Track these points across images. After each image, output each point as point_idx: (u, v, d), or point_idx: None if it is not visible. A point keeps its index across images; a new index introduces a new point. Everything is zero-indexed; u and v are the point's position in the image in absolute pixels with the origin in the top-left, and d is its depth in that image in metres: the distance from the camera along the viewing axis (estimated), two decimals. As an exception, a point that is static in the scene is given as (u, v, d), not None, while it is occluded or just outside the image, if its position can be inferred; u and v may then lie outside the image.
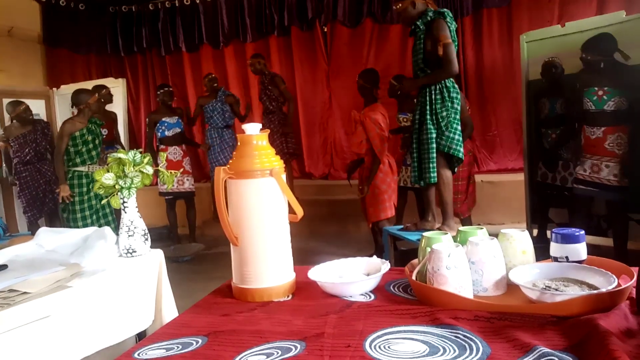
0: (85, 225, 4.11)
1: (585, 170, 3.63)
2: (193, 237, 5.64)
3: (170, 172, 1.87)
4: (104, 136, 5.26)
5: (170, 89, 5.72)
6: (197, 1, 7.09)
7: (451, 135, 3.13)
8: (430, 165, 3.16)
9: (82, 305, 1.54)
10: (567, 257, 1.23)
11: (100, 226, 1.90)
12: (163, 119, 5.43)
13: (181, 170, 5.19)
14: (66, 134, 4.20)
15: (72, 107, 4.55)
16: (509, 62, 5.83)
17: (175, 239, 5.63)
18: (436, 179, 3.17)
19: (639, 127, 3.50)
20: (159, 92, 5.58)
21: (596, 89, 3.59)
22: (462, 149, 3.17)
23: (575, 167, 3.81)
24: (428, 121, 3.14)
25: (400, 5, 3.20)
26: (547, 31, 4.33)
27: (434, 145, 3.14)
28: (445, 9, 3.14)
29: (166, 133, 5.42)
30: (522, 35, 4.50)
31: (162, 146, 5.45)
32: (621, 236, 3.58)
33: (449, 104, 3.12)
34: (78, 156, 4.26)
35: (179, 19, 7.22)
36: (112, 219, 4.42)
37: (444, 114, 3.12)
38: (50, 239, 1.94)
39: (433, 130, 3.14)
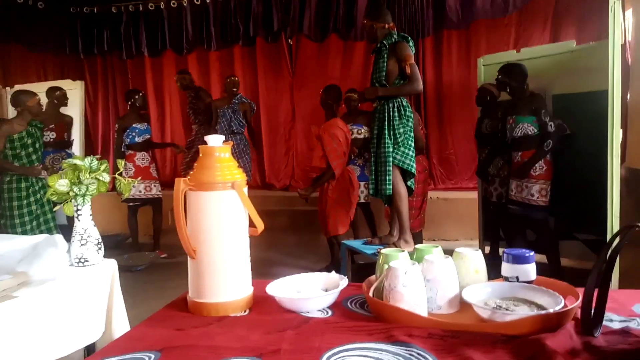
0: (24, 232, 3.93)
1: (512, 190, 3.82)
2: (157, 245, 5.49)
3: (128, 180, 1.82)
4: (53, 140, 5.07)
5: (143, 94, 5.53)
6: (162, 7, 6.99)
7: (406, 150, 3.29)
8: (387, 177, 3.28)
9: (28, 316, 1.48)
10: (517, 277, 1.28)
11: (41, 232, 1.84)
12: (134, 125, 5.26)
13: (139, 178, 5.06)
14: (2, 134, 4.02)
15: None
16: (466, 83, 6.02)
17: (135, 247, 5.48)
18: (391, 191, 3.26)
19: (561, 151, 3.74)
20: (134, 97, 5.35)
21: (508, 117, 3.85)
22: (414, 165, 3.35)
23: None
24: (386, 136, 3.28)
25: (372, 23, 3.38)
26: (503, 55, 4.51)
27: (391, 159, 3.27)
28: (407, 35, 3.37)
29: (136, 139, 5.27)
30: (479, 59, 4.68)
31: (129, 152, 5.28)
32: (551, 253, 3.77)
33: (405, 121, 3.30)
34: (16, 160, 4.08)
35: (143, 23, 7.09)
36: (55, 225, 4.24)
37: (401, 130, 3.29)
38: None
39: (390, 145, 3.27)
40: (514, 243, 3.88)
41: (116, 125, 5.47)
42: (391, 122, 3.28)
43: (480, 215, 4.64)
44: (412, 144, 3.34)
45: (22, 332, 1.46)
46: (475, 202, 4.77)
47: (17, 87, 5.94)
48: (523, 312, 1.13)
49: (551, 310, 1.10)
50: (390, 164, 3.27)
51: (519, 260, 1.28)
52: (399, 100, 3.30)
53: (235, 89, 5.76)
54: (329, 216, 4.31)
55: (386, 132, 3.28)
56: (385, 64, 3.30)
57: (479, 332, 1.09)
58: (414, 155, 3.34)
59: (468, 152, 6.10)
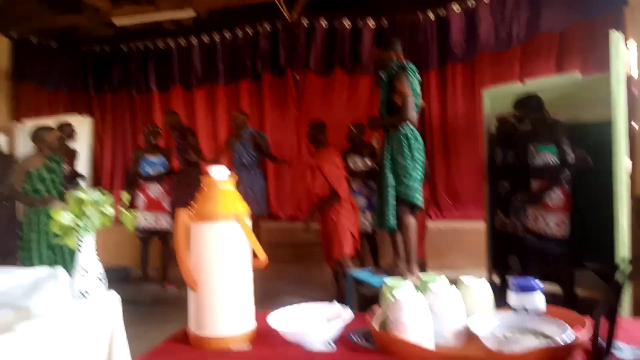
0: (41, 264, 3.93)
1: (528, 220, 3.75)
2: (166, 276, 5.45)
3: (131, 213, 1.82)
4: (69, 173, 5.14)
5: (156, 127, 5.56)
6: (172, 45, 7.17)
7: (407, 182, 3.21)
8: (387, 210, 3.24)
9: (27, 350, 1.46)
10: (524, 306, 1.25)
11: (58, 264, 1.83)
12: (146, 156, 5.32)
13: (139, 212, 5.07)
14: (21, 170, 4.08)
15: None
16: (472, 115, 6.04)
17: (144, 279, 5.45)
18: (394, 223, 3.23)
19: (580, 181, 3.66)
20: (146, 130, 5.44)
21: (529, 144, 3.79)
22: (419, 196, 3.25)
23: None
24: (387, 168, 3.25)
25: (379, 52, 3.39)
26: (508, 88, 4.54)
27: (392, 192, 3.23)
28: (407, 63, 3.30)
29: (149, 171, 5.31)
30: (484, 91, 4.71)
31: (141, 182, 5.30)
32: (567, 284, 3.68)
33: (407, 153, 3.22)
34: (36, 194, 4.13)
35: (152, 60, 7.26)
36: (72, 257, 4.24)
37: (402, 162, 3.22)
38: (1, 279, 1.85)
39: (391, 177, 3.24)
40: (528, 273, 3.77)
41: (133, 154, 5.51)
42: (392, 153, 3.26)
43: (488, 244, 4.58)
44: (417, 175, 3.25)
45: (21, 367, 1.43)
46: (482, 231, 4.72)
47: (27, 121, 6.05)
48: (530, 342, 1.10)
49: (559, 340, 1.06)
50: (392, 197, 3.23)
51: (526, 289, 1.25)
52: (402, 130, 3.23)
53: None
54: (333, 239, 4.28)
55: (387, 164, 3.27)
56: (384, 95, 3.32)
57: (486, 365, 1.06)
58: (419, 187, 3.26)
59: (474, 182, 6.07)
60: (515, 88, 4.41)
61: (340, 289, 4.45)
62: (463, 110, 6.26)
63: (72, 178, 5.25)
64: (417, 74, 3.32)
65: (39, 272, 1.84)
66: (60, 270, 1.77)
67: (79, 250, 1.70)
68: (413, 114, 3.23)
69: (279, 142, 6.95)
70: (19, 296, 1.71)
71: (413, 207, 3.29)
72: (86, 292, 1.70)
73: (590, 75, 4.27)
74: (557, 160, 3.61)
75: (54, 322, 1.56)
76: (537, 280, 1.27)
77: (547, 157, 3.64)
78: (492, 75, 5.98)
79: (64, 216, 1.65)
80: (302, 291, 4.92)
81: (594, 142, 3.63)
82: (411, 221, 3.26)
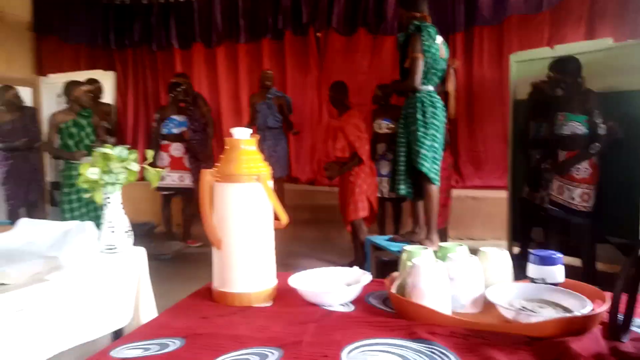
0: (72, 217, 4.07)
1: (553, 191, 3.69)
2: (187, 234, 5.59)
3: (156, 170, 1.86)
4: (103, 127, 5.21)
5: (184, 87, 5.52)
6: (192, -1, 7.08)
7: (418, 149, 3.12)
8: (398, 177, 3.23)
9: (58, 299, 1.53)
10: (543, 279, 1.25)
11: (89, 219, 1.88)
12: (172, 116, 5.37)
13: (167, 168, 5.16)
14: (54, 126, 4.20)
15: (58, 96, 4.52)
16: (498, 81, 5.91)
17: (168, 236, 5.59)
18: (406, 192, 3.22)
19: (608, 153, 3.54)
20: (176, 89, 5.41)
21: (558, 113, 3.67)
22: (429, 166, 3.13)
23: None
24: (400, 134, 3.22)
25: (403, 11, 3.31)
26: (536, 52, 4.40)
27: (403, 158, 3.21)
28: (423, 23, 3.16)
29: (173, 130, 5.36)
30: (511, 55, 4.58)
31: (165, 142, 5.37)
32: (587, 257, 3.65)
33: (420, 118, 3.11)
34: (65, 149, 4.23)
35: (173, 15, 7.18)
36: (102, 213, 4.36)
37: (413, 127, 3.15)
38: (31, 230, 1.91)
39: (404, 143, 3.21)
40: (550, 246, 3.78)
41: (156, 114, 5.54)
42: (406, 120, 3.21)
43: (509, 215, 4.56)
44: (431, 143, 3.11)
45: (52, 314, 1.50)
46: (504, 201, 4.68)
47: (52, 76, 6.10)
48: (548, 314, 1.11)
49: (578, 314, 1.08)
50: (403, 163, 3.21)
51: (546, 261, 1.26)
52: (417, 96, 3.13)
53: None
54: (349, 201, 4.33)
55: (401, 129, 3.23)
56: (402, 58, 3.25)
57: (502, 333, 1.08)
58: (429, 154, 3.11)
59: (498, 151, 5.99)
60: (544, 53, 4.27)
61: (356, 251, 4.52)
62: (489, 76, 6.11)
63: (106, 134, 5.32)
64: (437, 35, 3.18)
65: (69, 225, 1.90)
66: (89, 224, 1.83)
67: (107, 206, 1.75)
68: (419, 80, 3.09)
69: (300, 103, 6.91)
70: (48, 248, 1.77)
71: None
72: (114, 246, 1.76)
73: (623, 41, 4.11)
74: (586, 130, 3.51)
75: (84, 274, 1.62)
76: (558, 253, 1.27)
77: (576, 127, 3.55)
78: (520, 40, 5.81)
79: (91, 171, 1.69)
80: (321, 255, 5.00)
81: (624, 112, 3.53)
82: (433, 189, 3.22)
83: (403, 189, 3.25)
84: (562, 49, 4.19)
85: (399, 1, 3.56)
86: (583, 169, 3.54)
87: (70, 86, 4.31)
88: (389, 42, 6.43)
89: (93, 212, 4.28)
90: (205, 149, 5.57)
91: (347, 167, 4.37)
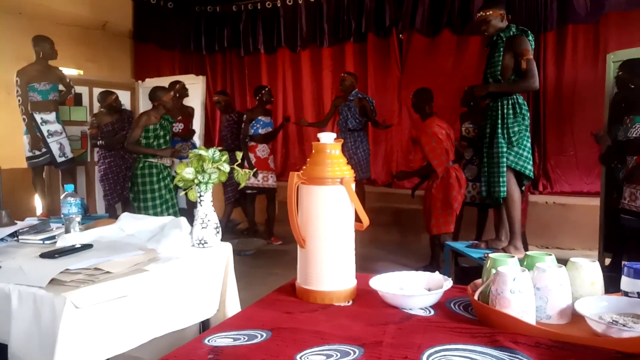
0: (154, 214, 4.33)
1: (625, 199, 3.50)
2: (271, 232, 5.81)
3: (245, 172, 1.96)
4: (181, 130, 5.57)
5: (269, 89, 5.82)
6: (279, 5, 7.30)
7: (520, 151, 3.15)
8: (500, 179, 3.14)
9: (156, 288, 1.66)
10: (638, 293, 1.19)
11: (167, 215, 2.02)
12: (259, 118, 5.65)
13: (254, 170, 5.40)
14: (140, 125, 4.47)
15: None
16: (592, 81, 5.58)
17: (251, 233, 5.83)
18: (506, 194, 3.13)
19: None
20: (261, 92, 5.72)
21: (625, 117, 3.52)
22: (530, 167, 3.17)
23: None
24: (499, 135, 3.14)
25: (490, 13, 3.21)
26: (636, 51, 4.11)
27: (504, 160, 3.13)
28: (526, 29, 3.17)
29: (260, 131, 5.64)
30: (609, 55, 4.31)
31: (252, 143, 5.63)
32: None
33: (521, 119, 3.14)
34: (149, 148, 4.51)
35: (260, 21, 7.47)
36: (176, 210, 4.62)
37: (516, 129, 3.14)
38: (131, 224, 2.09)
39: (504, 145, 3.13)
40: (632, 256, 3.56)
41: (244, 116, 5.81)
42: (505, 121, 3.14)
43: (601, 224, 4.29)
44: (529, 145, 3.17)
45: (150, 302, 1.64)
46: (596, 209, 4.41)
47: (148, 80, 6.55)
48: (643, 330, 1.06)
49: (677, 332, 1.01)
50: (504, 165, 3.13)
51: (642, 274, 1.19)
52: (515, 97, 3.15)
53: (348, 84, 5.73)
54: (432, 215, 4.26)
55: (499, 131, 3.15)
56: (500, 58, 3.16)
57: (590, 347, 1.04)
58: (530, 156, 3.19)
59: (590, 155, 5.65)
60: (645, 52, 3.99)
61: (434, 259, 4.45)
62: (582, 76, 5.79)
63: (188, 136, 5.66)
64: (532, 41, 3.19)
65: (165, 220, 2.05)
66: (183, 220, 1.96)
67: (200, 203, 1.87)
68: (538, 81, 3.13)
69: (380, 105, 6.90)
70: (146, 240, 1.93)
71: (523, 178, 3.19)
72: (205, 241, 1.87)
73: None
74: (638, 134, 3.35)
75: (178, 265, 1.75)
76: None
77: (634, 129, 3.39)
78: (619, 39, 5.44)
79: (187, 171, 1.82)
80: (398, 258, 4.98)
81: None
82: (517, 193, 3.17)
83: (504, 192, 3.18)
84: (666, 48, 3.90)
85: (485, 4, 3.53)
86: None
87: (157, 91, 4.60)
88: (474, 42, 6.28)
89: (172, 209, 4.54)
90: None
91: (414, 174, 4.37)
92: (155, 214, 4.31)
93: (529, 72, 3.05)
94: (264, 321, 1.23)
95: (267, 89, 5.76)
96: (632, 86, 3.57)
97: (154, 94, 4.59)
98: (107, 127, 5.50)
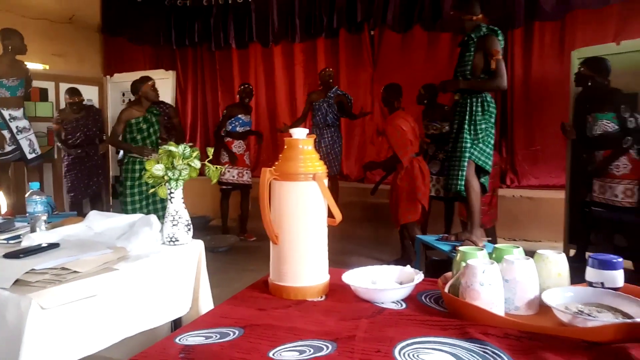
0: (133, 210, 4.25)
1: (594, 191, 3.67)
2: (244, 229, 5.77)
3: (216, 167, 1.93)
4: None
5: (249, 86, 5.77)
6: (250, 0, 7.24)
7: (484, 147, 3.24)
8: (460, 173, 3.22)
9: (126, 287, 1.63)
10: (602, 283, 1.23)
11: (149, 212, 1.99)
12: (239, 115, 5.60)
13: (227, 166, 5.37)
14: (122, 120, 4.37)
15: (123, 95, 4.73)
16: (558, 77, 5.70)
17: (224, 229, 5.78)
18: (463, 187, 3.22)
19: None
20: (241, 88, 5.70)
21: (588, 115, 3.70)
22: (490, 163, 3.28)
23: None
24: (465, 130, 3.22)
25: (459, 14, 3.31)
26: (600, 49, 4.23)
27: (467, 155, 3.21)
28: (497, 28, 3.23)
29: (237, 128, 5.60)
30: (573, 52, 4.43)
31: (228, 139, 5.59)
32: (637, 258, 3.53)
33: (488, 117, 3.23)
34: (133, 143, 4.42)
35: (231, 15, 7.38)
36: (162, 206, 4.54)
37: (483, 125, 3.23)
38: (100, 222, 2.05)
39: (469, 140, 3.21)
40: (599, 247, 3.69)
41: (224, 111, 5.76)
42: (473, 117, 3.22)
43: (566, 216, 4.41)
44: (492, 142, 3.27)
45: (120, 301, 1.61)
46: (562, 201, 4.53)
47: (117, 76, 6.41)
48: (607, 319, 1.09)
49: (638, 320, 1.05)
50: (466, 159, 3.21)
51: (606, 265, 1.23)
52: (484, 95, 3.23)
53: (330, 81, 5.72)
54: (399, 205, 4.32)
55: (466, 126, 3.23)
56: (471, 58, 3.23)
57: (557, 336, 1.07)
58: (491, 153, 3.28)
59: (556, 149, 5.80)
60: (608, 49, 4.10)
61: (404, 251, 4.52)
62: (548, 72, 5.92)
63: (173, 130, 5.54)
64: (502, 40, 3.25)
65: (134, 217, 2.02)
66: (153, 217, 1.93)
67: (170, 200, 1.84)
68: (506, 80, 3.20)
69: (353, 101, 6.94)
70: (116, 238, 1.89)
71: (482, 173, 3.30)
72: (176, 238, 1.85)
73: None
74: (616, 127, 3.50)
75: (149, 264, 1.72)
76: (618, 257, 1.24)
77: (606, 125, 3.54)
78: (584, 36, 5.58)
79: (156, 168, 1.79)
80: (370, 252, 5.01)
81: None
82: (477, 184, 3.28)
83: (461, 186, 3.25)
84: (629, 45, 4.02)
85: (453, 3, 3.65)
86: (622, 165, 3.52)
87: (138, 83, 4.50)
88: (445, 38, 6.35)
89: (152, 206, 4.47)
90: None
91: (388, 169, 4.42)
92: (134, 210, 4.23)
93: (498, 72, 3.12)
94: (236, 318, 1.22)
95: (245, 85, 5.74)
96: (590, 84, 3.69)
97: (134, 87, 4.50)
98: (72, 124, 5.37)
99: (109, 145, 5.74)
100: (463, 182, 3.22)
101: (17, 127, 4.82)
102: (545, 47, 5.96)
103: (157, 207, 4.48)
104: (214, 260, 4.52)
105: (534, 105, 6.06)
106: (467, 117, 3.23)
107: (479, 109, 3.20)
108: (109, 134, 4.44)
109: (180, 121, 5.85)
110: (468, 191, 3.26)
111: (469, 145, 3.21)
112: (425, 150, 4.76)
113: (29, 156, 4.89)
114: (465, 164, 3.22)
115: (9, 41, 4.74)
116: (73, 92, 5.38)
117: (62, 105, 5.71)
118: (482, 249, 1.32)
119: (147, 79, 4.52)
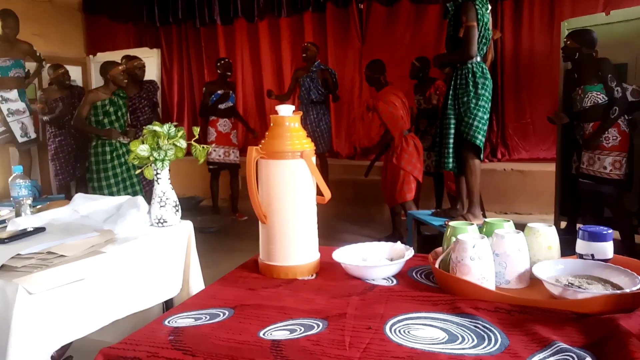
0: (110, 193, 4.20)
1: (583, 163, 3.67)
2: (235, 208, 5.74)
3: (203, 147, 1.90)
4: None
5: (228, 61, 5.64)
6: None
7: (470, 121, 3.10)
8: (446, 151, 3.17)
9: (114, 270, 1.61)
10: (592, 255, 1.23)
11: (127, 194, 1.96)
12: (219, 91, 5.46)
13: (213, 145, 5.30)
14: (88, 102, 4.29)
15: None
16: (548, 50, 5.69)
17: (214, 209, 5.75)
18: (451, 165, 3.18)
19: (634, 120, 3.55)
20: (218, 64, 5.56)
21: (577, 88, 3.67)
22: (481, 137, 3.13)
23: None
24: (449, 106, 3.15)
25: None
26: (589, 19, 4.20)
27: (452, 131, 3.15)
28: None
29: (221, 106, 5.48)
30: (563, 22, 4.39)
31: (212, 117, 5.49)
32: (624, 229, 3.58)
33: (472, 90, 3.08)
34: (100, 126, 4.34)
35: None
36: (140, 188, 4.50)
37: (465, 99, 3.10)
38: (86, 205, 2.01)
39: (452, 116, 3.14)
40: (587, 219, 3.72)
41: (203, 88, 5.66)
42: (456, 91, 3.13)
43: (557, 189, 4.43)
44: (481, 114, 3.11)
45: (109, 284, 1.59)
46: (552, 174, 4.55)
47: (100, 55, 6.29)
48: (597, 290, 1.09)
49: (627, 290, 1.05)
50: (451, 136, 3.14)
51: (595, 237, 1.23)
52: (469, 67, 3.08)
53: (311, 56, 5.58)
54: (396, 184, 4.29)
55: (449, 102, 3.16)
56: (450, 28, 3.16)
57: (548, 309, 1.07)
58: (481, 126, 3.11)
59: (547, 122, 5.79)
60: (598, 19, 4.08)
61: (395, 229, 4.52)
62: (538, 44, 5.89)
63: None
64: (487, 3, 3.11)
65: (121, 199, 1.99)
66: (140, 199, 1.90)
67: (157, 181, 1.81)
68: (475, 49, 3.04)
69: (341, 77, 6.85)
70: (102, 221, 1.87)
71: (475, 148, 3.20)
72: (164, 220, 1.82)
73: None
74: (605, 98, 3.48)
75: (137, 246, 1.70)
76: (608, 229, 1.24)
77: (595, 97, 3.52)
78: (573, 6, 5.54)
79: (141, 148, 1.75)
80: (361, 229, 5.03)
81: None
82: (475, 163, 3.18)
83: (451, 164, 3.20)
84: (618, 15, 3.99)
85: None
86: (612, 137, 3.50)
87: (106, 66, 4.41)
88: (433, 11, 6.27)
89: (131, 188, 4.41)
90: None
91: (382, 146, 4.40)
92: (111, 194, 4.18)
93: (465, 41, 3.00)
94: (226, 299, 1.21)
95: (224, 60, 5.60)
96: (577, 56, 3.65)
97: (103, 68, 4.41)
98: (56, 103, 5.27)
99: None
100: (451, 160, 3.18)
101: (9, 109, 4.72)
102: (535, 19, 5.91)
103: (135, 188, 4.43)
104: (205, 241, 4.52)
105: (524, 78, 6.03)
106: (450, 93, 3.16)
107: (462, 81, 3.10)
108: (74, 117, 4.30)
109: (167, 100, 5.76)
110: (465, 171, 3.18)
111: (452, 121, 3.14)
112: (417, 125, 4.73)
113: (20, 140, 4.82)
114: (451, 140, 3.15)
115: (2, 22, 4.62)
116: (57, 67, 5.26)
117: (45, 86, 5.60)
118: (472, 224, 1.31)
119: (116, 63, 4.44)
